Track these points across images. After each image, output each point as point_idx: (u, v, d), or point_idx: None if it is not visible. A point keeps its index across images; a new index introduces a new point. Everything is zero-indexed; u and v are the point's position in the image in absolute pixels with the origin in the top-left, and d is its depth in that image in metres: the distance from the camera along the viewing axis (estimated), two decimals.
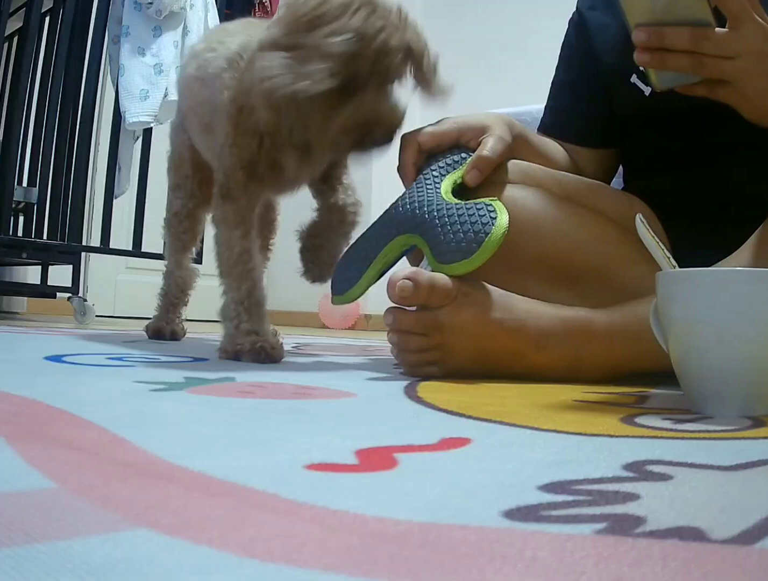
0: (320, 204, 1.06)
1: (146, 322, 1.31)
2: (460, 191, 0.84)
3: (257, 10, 3.87)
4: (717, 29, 0.65)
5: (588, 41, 1.01)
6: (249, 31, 0.96)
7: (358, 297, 0.85)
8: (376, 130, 0.82)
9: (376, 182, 3.26)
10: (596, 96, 1.01)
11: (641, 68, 0.91)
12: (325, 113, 0.80)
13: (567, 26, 1.06)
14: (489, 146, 0.84)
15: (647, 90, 0.92)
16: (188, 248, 1.26)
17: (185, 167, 1.18)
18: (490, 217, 0.75)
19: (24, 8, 2.10)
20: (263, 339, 0.89)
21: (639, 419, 0.52)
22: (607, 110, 1.00)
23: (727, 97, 0.69)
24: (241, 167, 0.93)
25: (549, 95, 1.08)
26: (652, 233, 0.60)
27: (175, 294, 1.28)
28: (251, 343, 0.89)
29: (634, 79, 0.93)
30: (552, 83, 1.08)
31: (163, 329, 1.26)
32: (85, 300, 2.11)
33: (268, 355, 0.88)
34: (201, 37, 1.27)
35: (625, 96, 0.96)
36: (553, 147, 1.02)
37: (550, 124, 1.06)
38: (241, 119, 0.91)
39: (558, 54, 1.08)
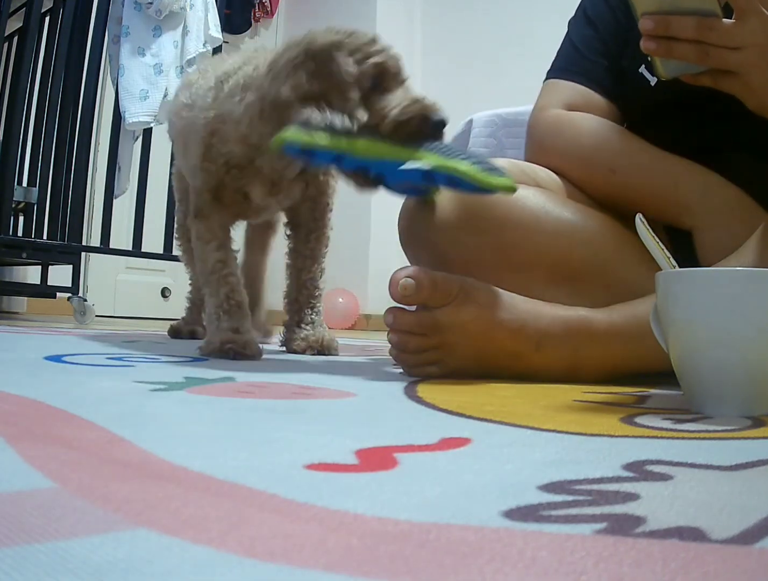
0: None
1: (146, 322, 1.32)
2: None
3: (257, 10, 3.87)
4: (723, 20, 0.66)
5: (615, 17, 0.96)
6: (236, 59, 1.02)
7: (291, 139, 0.77)
8: None
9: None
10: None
11: (648, 58, 0.90)
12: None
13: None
14: None
15: (653, 80, 0.92)
16: None
17: (184, 182, 1.24)
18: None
19: (24, 8, 2.11)
20: (232, 339, 0.95)
21: (639, 419, 0.52)
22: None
23: (732, 88, 0.70)
24: (207, 190, 1.00)
25: (565, 46, 1.00)
26: (652, 233, 0.60)
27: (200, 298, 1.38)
28: (221, 342, 0.95)
29: (642, 69, 0.93)
30: (566, 39, 1.00)
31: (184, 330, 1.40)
32: (85, 300, 2.11)
33: (237, 353, 0.94)
34: (195, 67, 1.35)
35: (634, 85, 0.95)
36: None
37: (569, 68, 0.97)
38: (212, 142, 0.97)
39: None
